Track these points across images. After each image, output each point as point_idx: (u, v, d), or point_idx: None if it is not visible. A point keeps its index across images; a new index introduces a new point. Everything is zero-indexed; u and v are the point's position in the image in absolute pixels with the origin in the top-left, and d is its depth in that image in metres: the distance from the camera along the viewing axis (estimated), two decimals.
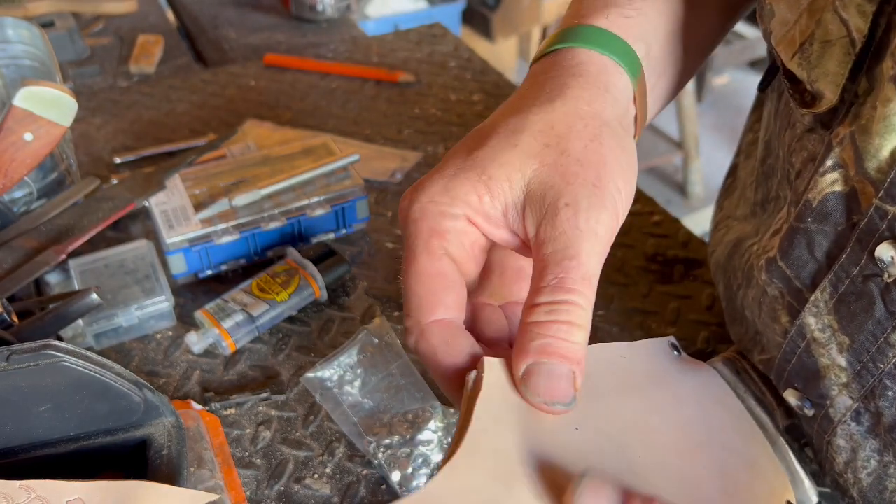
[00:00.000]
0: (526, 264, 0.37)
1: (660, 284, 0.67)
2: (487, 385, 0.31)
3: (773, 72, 0.49)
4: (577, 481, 0.27)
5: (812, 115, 0.38)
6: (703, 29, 0.45)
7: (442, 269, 0.33)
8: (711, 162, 2.50)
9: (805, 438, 0.49)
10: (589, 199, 0.32)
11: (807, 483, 0.42)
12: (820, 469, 0.45)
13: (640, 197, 0.76)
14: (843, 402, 0.39)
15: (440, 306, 0.33)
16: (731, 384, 0.45)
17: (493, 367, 0.31)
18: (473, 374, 0.31)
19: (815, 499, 0.43)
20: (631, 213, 0.76)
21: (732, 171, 0.58)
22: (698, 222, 2.22)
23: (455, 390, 0.32)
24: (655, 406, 0.37)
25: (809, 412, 0.42)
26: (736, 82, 2.93)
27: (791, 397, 0.42)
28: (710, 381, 0.44)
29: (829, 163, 0.37)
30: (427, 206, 0.34)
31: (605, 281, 0.66)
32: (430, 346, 0.33)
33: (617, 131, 0.35)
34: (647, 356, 0.40)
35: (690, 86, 2.23)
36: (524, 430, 0.30)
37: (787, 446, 0.43)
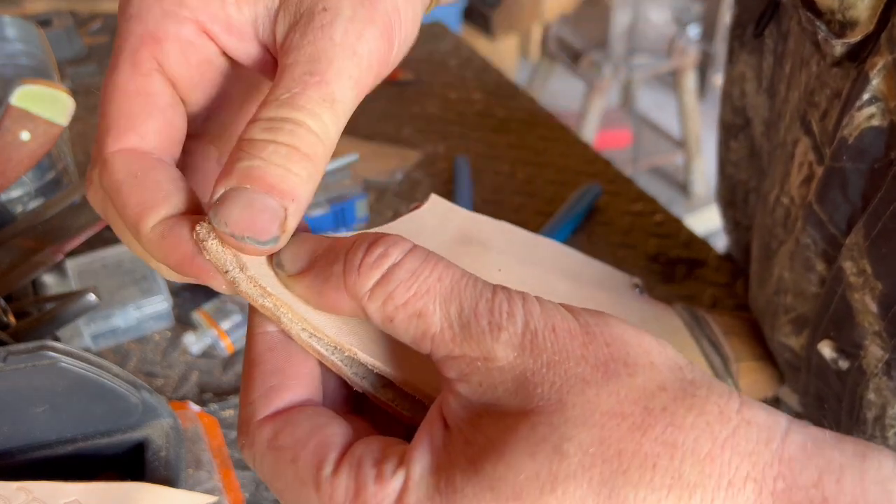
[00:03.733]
0: None
1: (662, 285, 0.66)
2: (426, 209, 0.31)
3: (764, 17, 0.47)
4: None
5: (843, 46, 0.37)
6: None
7: (146, 87, 0.26)
8: (713, 161, 2.49)
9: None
10: (354, 9, 0.25)
11: None
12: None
13: (641, 196, 0.76)
14: (875, 352, 0.38)
15: (132, 133, 0.26)
16: (687, 325, 0.44)
17: (436, 203, 0.31)
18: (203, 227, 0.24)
19: None
20: (632, 213, 0.76)
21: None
22: (701, 221, 2.22)
23: (161, 247, 0.25)
24: (592, 298, 0.37)
25: (844, 365, 0.41)
26: None
27: (826, 348, 0.41)
28: (664, 314, 0.43)
29: (865, 96, 0.35)
30: (148, 2, 0.26)
31: None
32: (113, 181, 0.25)
33: None
34: (604, 274, 0.39)
35: (692, 84, 2.22)
36: (442, 248, 0.29)
37: (734, 388, 0.42)
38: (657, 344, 0.23)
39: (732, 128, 0.57)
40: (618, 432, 0.21)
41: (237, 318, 0.60)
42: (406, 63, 1.01)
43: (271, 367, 0.25)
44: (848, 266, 0.38)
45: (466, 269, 0.30)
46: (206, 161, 0.30)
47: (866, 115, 0.35)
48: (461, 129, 0.88)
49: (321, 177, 0.25)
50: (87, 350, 0.55)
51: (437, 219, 0.32)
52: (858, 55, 0.36)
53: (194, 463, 0.46)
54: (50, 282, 0.63)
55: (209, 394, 0.58)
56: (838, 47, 0.37)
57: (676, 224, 0.73)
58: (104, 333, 0.61)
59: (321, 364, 0.26)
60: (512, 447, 0.21)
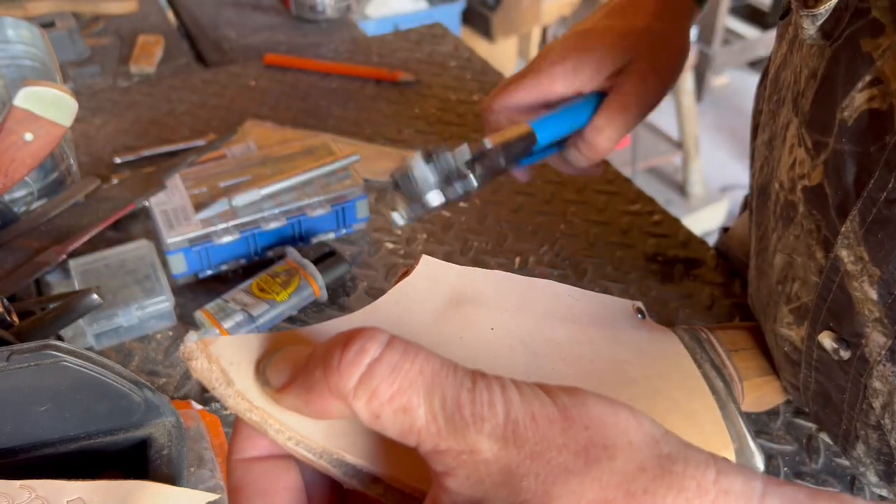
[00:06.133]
0: None
1: (660, 284, 0.67)
2: (417, 273, 0.32)
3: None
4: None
5: (810, 19, 0.36)
6: None
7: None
8: (711, 162, 2.50)
9: (821, 425, 0.48)
10: (650, 57, 0.55)
11: (752, 446, 0.42)
12: (844, 444, 0.44)
13: (639, 197, 0.76)
14: (877, 339, 0.38)
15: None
16: (689, 349, 0.44)
17: (427, 263, 0.32)
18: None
19: (761, 466, 0.42)
20: (631, 213, 0.76)
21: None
22: (698, 222, 2.22)
23: None
24: (590, 339, 0.36)
25: (845, 354, 0.41)
26: (735, 82, 2.93)
27: (826, 339, 0.42)
28: (665, 341, 0.43)
29: (867, 78, 0.35)
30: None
31: (606, 280, 0.67)
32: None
33: None
34: (603, 306, 0.39)
35: (690, 85, 2.23)
36: (435, 315, 0.31)
37: (736, 412, 0.42)
38: (634, 419, 0.23)
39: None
40: None
41: (239, 317, 0.61)
42: (406, 64, 1.01)
43: (254, 489, 0.26)
44: (844, 255, 0.38)
45: (460, 333, 0.31)
46: None
47: (866, 97, 0.35)
48: (461, 129, 0.89)
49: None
50: (90, 349, 0.55)
51: (429, 282, 0.32)
52: (832, 33, 0.36)
53: (196, 461, 0.46)
54: (53, 281, 0.64)
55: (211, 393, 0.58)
56: (807, 21, 0.36)
57: (675, 224, 0.73)
58: (107, 333, 0.61)
59: (302, 476, 0.27)
60: None
